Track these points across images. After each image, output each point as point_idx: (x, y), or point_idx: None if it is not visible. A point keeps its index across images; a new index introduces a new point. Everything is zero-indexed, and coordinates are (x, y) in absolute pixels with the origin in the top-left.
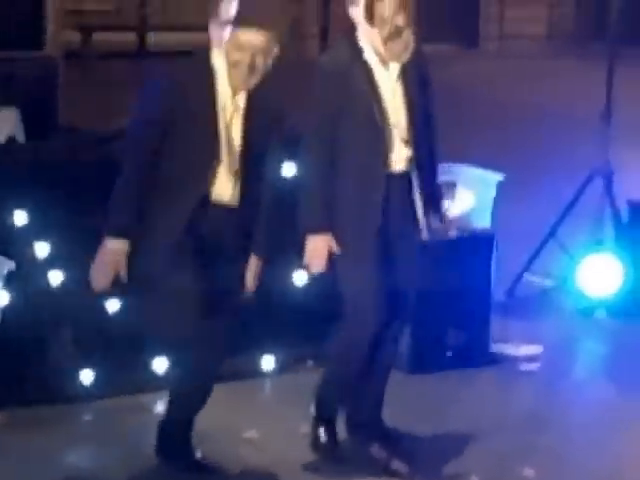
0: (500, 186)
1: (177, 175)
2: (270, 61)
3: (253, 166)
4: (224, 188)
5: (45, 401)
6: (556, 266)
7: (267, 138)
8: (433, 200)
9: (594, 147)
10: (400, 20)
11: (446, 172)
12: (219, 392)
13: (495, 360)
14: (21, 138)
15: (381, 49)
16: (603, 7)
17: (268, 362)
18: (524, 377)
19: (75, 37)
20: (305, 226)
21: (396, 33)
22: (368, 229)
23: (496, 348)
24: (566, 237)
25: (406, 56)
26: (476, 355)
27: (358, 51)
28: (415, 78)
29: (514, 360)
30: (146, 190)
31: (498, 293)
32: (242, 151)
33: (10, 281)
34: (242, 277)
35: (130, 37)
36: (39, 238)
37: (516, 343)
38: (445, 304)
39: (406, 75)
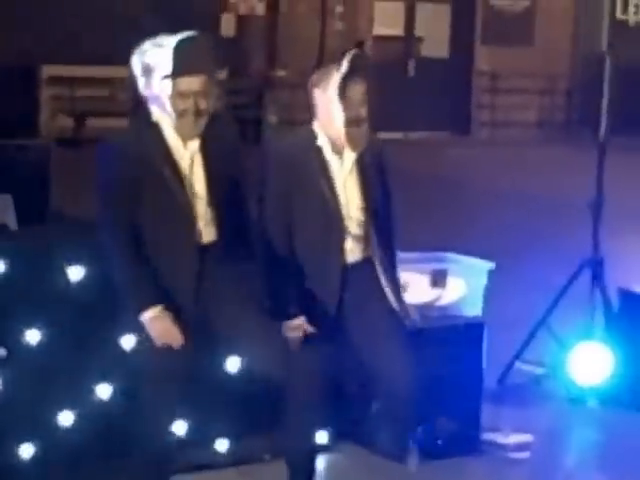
0: (491, 274)
1: (157, 234)
2: (212, 102)
3: (225, 203)
4: (204, 232)
5: None
6: (547, 354)
7: (229, 172)
8: (396, 290)
9: (585, 235)
10: (363, 111)
11: (437, 260)
12: None
13: (485, 449)
14: (13, 225)
15: (339, 135)
16: (594, 96)
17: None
18: (514, 466)
19: (68, 123)
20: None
21: (357, 120)
22: (321, 318)
23: (486, 436)
24: (557, 325)
25: (361, 146)
26: (466, 443)
27: (313, 137)
28: (371, 167)
29: (504, 449)
30: (141, 255)
31: (489, 381)
32: (210, 193)
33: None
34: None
35: (124, 123)
36: (31, 325)
37: (506, 432)
38: (436, 392)
39: (361, 165)
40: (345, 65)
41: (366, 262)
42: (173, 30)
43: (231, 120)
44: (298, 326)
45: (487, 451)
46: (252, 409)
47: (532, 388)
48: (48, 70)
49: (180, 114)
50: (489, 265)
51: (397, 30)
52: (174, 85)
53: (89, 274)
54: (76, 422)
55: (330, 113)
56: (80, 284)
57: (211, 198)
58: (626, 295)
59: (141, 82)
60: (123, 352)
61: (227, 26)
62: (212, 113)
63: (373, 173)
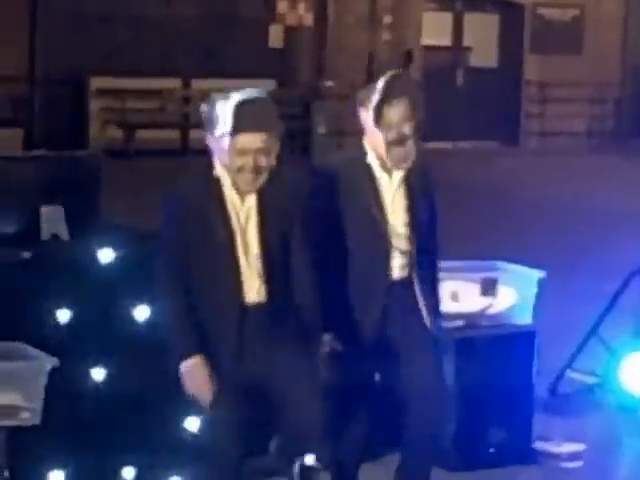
0: (542, 283)
1: (206, 287)
2: (273, 160)
3: (277, 263)
4: (252, 291)
5: None
6: (598, 363)
7: (285, 233)
8: (434, 309)
9: (635, 244)
10: (406, 128)
11: (487, 269)
12: None
13: (537, 458)
14: (64, 236)
15: (383, 154)
16: None
17: None
18: (567, 475)
19: (118, 134)
20: None
21: (399, 140)
22: (366, 336)
23: (538, 446)
24: (608, 334)
25: (407, 164)
26: (518, 452)
27: (363, 154)
28: (417, 187)
29: (556, 458)
30: (189, 304)
31: (540, 390)
32: (263, 251)
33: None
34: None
35: (173, 134)
36: (83, 335)
37: (558, 441)
38: (487, 401)
39: (408, 182)
40: (379, 90)
41: (409, 280)
42: (221, 41)
43: (289, 175)
44: (326, 342)
45: (539, 460)
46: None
47: (584, 397)
48: (96, 82)
49: (238, 170)
50: (540, 274)
51: (445, 40)
52: (233, 142)
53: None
54: None
55: (374, 133)
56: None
57: (264, 256)
58: None
59: (207, 133)
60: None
61: (275, 37)
62: (272, 169)
63: (419, 191)
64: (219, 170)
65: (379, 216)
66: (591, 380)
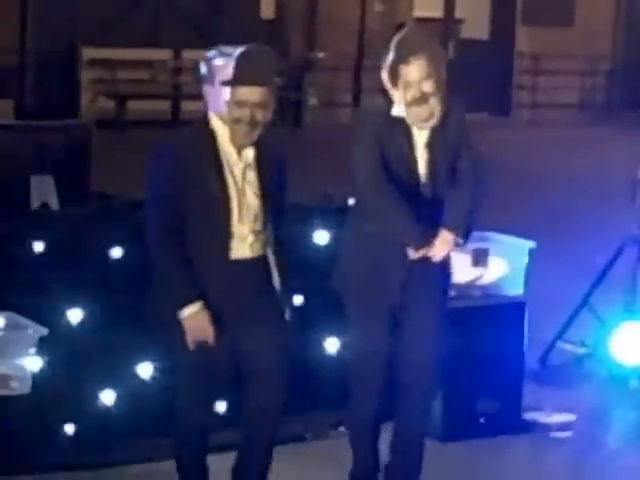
0: (532, 254)
1: (196, 239)
2: (269, 114)
3: (272, 214)
4: (243, 246)
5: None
6: (589, 334)
7: (279, 185)
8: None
9: (627, 215)
10: (427, 86)
11: (479, 239)
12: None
13: (527, 428)
14: (54, 205)
15: (406, 113)
16: (636, 76)
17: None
18: (556, 445)
19: (109, 105)
20: None
21: (421, 99)
22: (384, 302)
23: (528, 416)
24: (599, 305)
25: (430, 123)
26: (508, 423)
27: (390, 109)
28: (444, 143)
29: (546, 428)
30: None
31: (531, 361)
32: (263, 205)
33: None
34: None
35: (164, 105)
36: (71, 305)
37: (548, 411)
38: (477, 372)
39: (434, 141)
40: (394, 48)
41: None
42: (213, 12)
43: (283, 131)
44: None
45: (529, 430)
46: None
47: (574, 368)
48: (87, 53)
49: (235, 122)
50: (530, 244)
51: (437, 12)
52: (233, 93)
53: (128, 253)
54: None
55: (394, 94)
56: (119, 263)
57: (264, 210)
58: None
59: (204, 87)
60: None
61: (267, 8)
62: (267, 123)
63: (446, 149)
64: (214, 122)
65: (413, 170)
66: (581, 351)
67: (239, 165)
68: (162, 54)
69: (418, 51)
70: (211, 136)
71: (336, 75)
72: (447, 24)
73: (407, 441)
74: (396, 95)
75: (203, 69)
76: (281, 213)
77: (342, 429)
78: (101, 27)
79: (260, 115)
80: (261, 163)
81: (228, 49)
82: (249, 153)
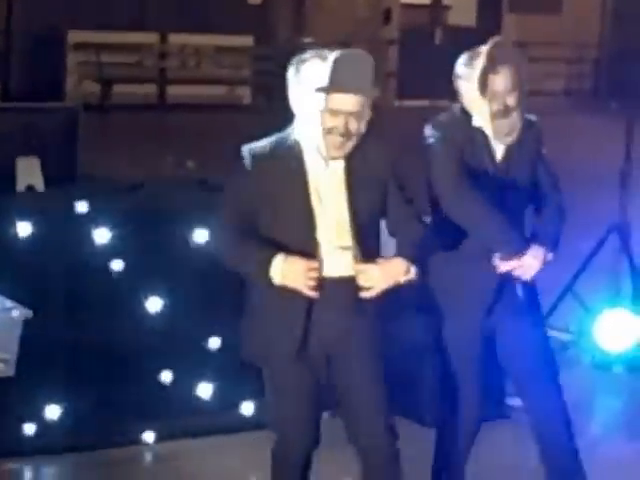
0: None
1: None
2: (364, 126)
3: (368, 236)
4: (332, 262)
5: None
6: (573, 321)
7: (376, 202)
8: None
9: (611, 202)
10: (511, 99)
11: None
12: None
13: (511, 413)
14: (40, 187)
15: (488, 125)
16: (622, 64)
17: None
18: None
19: (95, 89)
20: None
21: (505, 112)
22: (484, 295)
23: (512, 401)
24: (584, 292)
25: (511, 139)
26: (492, 408)
27: (468, 120)
28: (522, 159)
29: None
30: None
31: None
32: (353, 223)
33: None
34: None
35: (150, 89)
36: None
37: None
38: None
39: (512, 157)
40: (483, 57)
41: None
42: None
43: (381, 143)
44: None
45: (512, 415)
46: None
47: (558, 354)
48: (73, 36)
49: (327, 132)
50: None
51: None
52: (327, 100)
53: (114, 236)
54: None
55: (477, 106)
56: (105, 246)
57: (354, 228)
58: None
59: (293, 93)
60: None
61: None
62: (361, 135)
63: (524, 165)
64: (301, 132)
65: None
66: (566, 337)
67: (324, 178)
68: (148, 38)
69: (507, 62)
70: (296, 146)
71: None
72: (434, 10)
73: (556, 442)
74: (480, 106)
75: (292, 75)
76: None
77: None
78: (87, 11)
79: (354, 125)
80: (352, 179)
81: (324, 53)
82: (339, 167)
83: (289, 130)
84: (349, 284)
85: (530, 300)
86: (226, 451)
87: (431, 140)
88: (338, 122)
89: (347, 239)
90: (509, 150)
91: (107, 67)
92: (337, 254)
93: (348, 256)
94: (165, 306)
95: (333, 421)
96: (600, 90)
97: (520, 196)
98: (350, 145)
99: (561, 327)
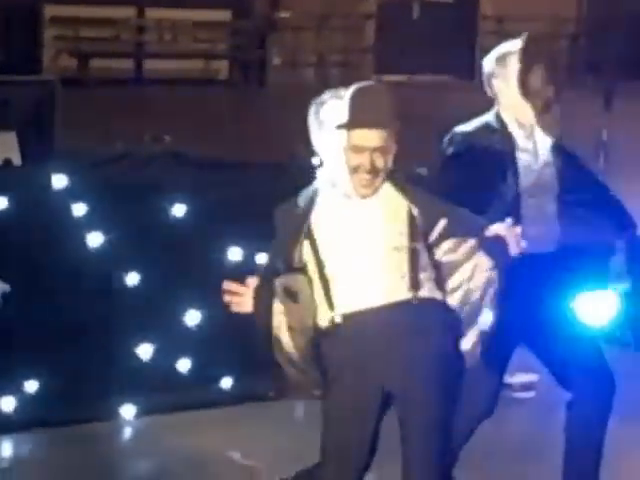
0: None
1: None
2: (390, 160)
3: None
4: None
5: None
6: None
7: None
8: None
9: None
10: (550, 92)
11: None
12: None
13: (508, 391)
14: (17, 161)
15: (532, 121)
16: (599, 40)
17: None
18: (519, 405)
19: (72, 63)
20: None
21: (547, 106)
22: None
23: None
24: None
25: (557, 131)
26: None
27: (501, 123)
28: (566, 155)
29: (509, 388)
30: None
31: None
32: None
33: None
34: None
35: (127, 64)
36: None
37: (511, 371)
38: None
39: (558, 152)
40: (520, 58)
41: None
42: None
43: (407, 181)
44: None
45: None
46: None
47: None
48: (50, 10)
49: (353, 170)
50: None
51: None
52: (349, 137)
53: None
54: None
55: (518, 104)
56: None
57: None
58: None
59: (315, 137)
60: None
61: None
62: (388, 171)
63: (569, 161)
64: (321, 182)
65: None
66: None
67: (352, 220)
68: (125, 12)
69: (541, 57)
70: (315, 195)
71: (300, 35)
72: None
73: (590, 423)
74: (520, 105)
75: (313, 118)
76: None
77: None
78: None
79: (381, 161)
80: (382, 217)
81: (342, 92)
82: (366, 206)
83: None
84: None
85: None
86: (205, 426)
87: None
88: (363, 159)
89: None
90: (555, 146)
91: (84, 41)
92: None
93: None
94: (144, 280)
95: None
96: (577, 65)
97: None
98: (378, 182)
99: None
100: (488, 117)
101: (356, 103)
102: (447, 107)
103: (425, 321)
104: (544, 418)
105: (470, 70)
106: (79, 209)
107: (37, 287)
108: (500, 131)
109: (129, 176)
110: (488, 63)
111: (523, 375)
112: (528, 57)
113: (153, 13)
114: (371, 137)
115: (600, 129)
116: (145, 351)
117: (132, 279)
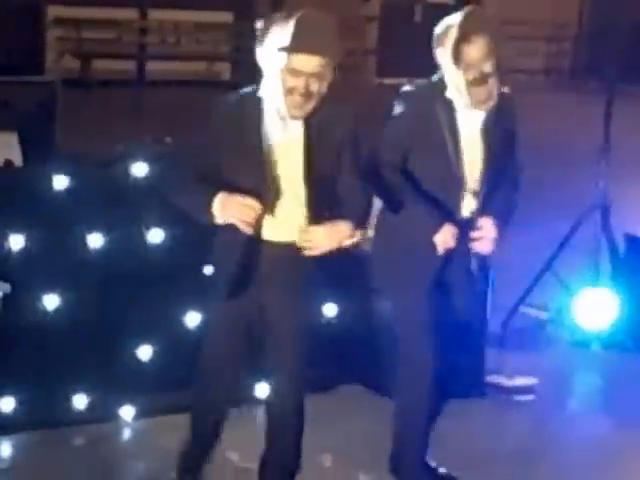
0: None
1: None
2: (325, 87)
3: (322, 197)
4: (279, 225)
5: (36, 425)
6: (552, 299)
7: (335, 164)
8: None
9: (591, 181)
10: (487, 67)
11: None
12: None
13: (489, 391)
14: (18, 162)
15: (465, 94)
16: (601, 43)
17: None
18: (518, 409)
19: (75, 64)
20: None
21: (481, 79)
22: (428, 269)
23: (490, 379)
24: (563, 270)
25: (489, 104)
26: (471, 386)
27: (442, 90)
28: (498, 128)
29: (508, 392)
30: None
31: (494, 324)
32: (307, 184)
33: (5, 304)
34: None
35: (129, 65)
36: (36, 262)
37: (511, 375)
38: (441, 334)
39: (489, 125)
40: (457, 27)
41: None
42: None
43: (346, 108)
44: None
45: (491, 394)
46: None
47: (536, 332)
48: (53, 11)
49: (288, 92)
50: None
51: None
52: (288, 60)
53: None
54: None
55: (453, 72)
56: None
57: (309, 190)
58: (632, 240)
59: (259, 52)
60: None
61: None
62: (322, 97)
63: (500, 135)
64: (264, 90)
65: (455, 157)
66: (544, 315)
67: (284, 138)
68: (128, 13)
69: (480, 30)
70: (259, 104)
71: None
72: None
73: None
74: (454, 75)
75: (259, 35)
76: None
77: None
78: None
79: (315, 86)
80: (310, 140)
81: (286, 14)
82: (297, 127)
83: (255, 87)
84: (292, 246)
85: (478, 275)
86: None
87: (393, 112)
88: (299, 82)
89: (300, 197)
90: (487, 119)
91: (87, 42)
92: (289, 210)
93: (299, 213)
94: (143, 282)
95: (312, 398)
96: (579, 68)
97: (494, 166)
98: (310, 106)
99: (540, 305)
100: (434, 80)
101: (299, 28)
102: None
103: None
104: (543, 421)
105: None
106: (80, 210)
107: (38, 288)
108: (441, 97)
109: (129, 176)
110: (436, 31)
111: (522, 378)
112: (466, 29)
113: (155, 15)
114: (310, 63)
115: (601, 132)
116: (145, 352)
117: (134, 279)
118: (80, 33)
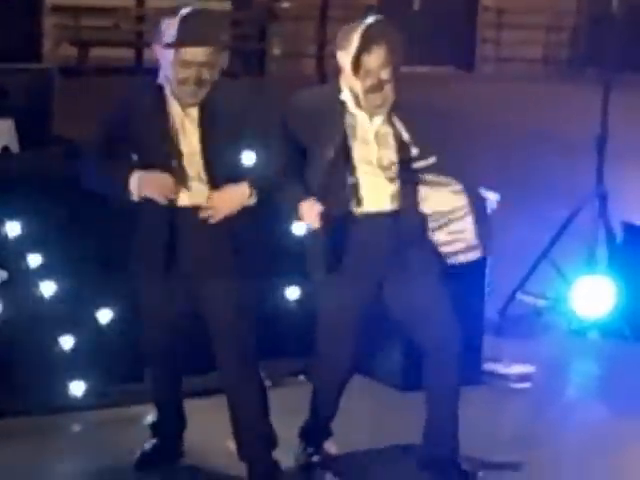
0: (495, 205)
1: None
2: (216, 74)
3: (219, 173)
4: (187, 195)
5: (35, 411)
6: (549, 286)
7: (228, 143)
8: None
9: (589, 169)
10: (385, 74)
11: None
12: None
13: (486, 379)
14: (15, 149)
15: (362, 98)
16: (599, 33)
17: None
18: (515, 396)
19: (72, 52)
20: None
21: (378, 86)
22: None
23: (487, 367)
24: (560, 258)
25: (383, 110)
26: (468, 373)
27: (337, 92)
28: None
29: (506, 379)
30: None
31: (491, 312)
32: (204, 159)
33: (2, 291)
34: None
35: (127, 53)
36: (32, 249)
37: (508, 362)
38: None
39: (380, 131)
40: (358, 37)
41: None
42: None
43: (235, 88)
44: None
45: (488, 381)
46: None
47: (534, 320)
48: None
49: (180, 82)
50: (493, 196)
51: None
52: (177, 54)
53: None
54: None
55: (352, 78)
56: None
57: (207, 170)
58: (629, 228)
59: (155, 45)
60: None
61: None
62: (215, 82)
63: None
64: (162, 80)
65: (341, 154)
66: (541, 303)
67: (181, 122)
68: (125, 1)
69: (380, 40)
70: (159, 92)
71: (300, 25)
72: None
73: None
74: (352, 80)
75: (155, 31)
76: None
77: (301, 377)
78: None
79: (207, 74)
80: (204, 123)
81: (174, 10)
82: (192, 112)
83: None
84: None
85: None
86: (202, 415)
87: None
88: (190, 73)
89: (200, 171)
90: (380, 125)
91: (84, 30)
92: (194, 184)
93: (203, 186)
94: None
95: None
96: (577, 57)
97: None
98: (203, 92)
99: (538, 293)
100: (332, 85)
101: (184, 24)
102: (448, 97)
103: None
104: (540, 408)
105: (470, 61)
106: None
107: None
108: (334, 97)
109: None
110: (339, 34)
111: (520, 366)
112: (368, 39)
113: (153, 2)
114: (198, 53)
115: (599, 120)
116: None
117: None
118: (77, 21)
